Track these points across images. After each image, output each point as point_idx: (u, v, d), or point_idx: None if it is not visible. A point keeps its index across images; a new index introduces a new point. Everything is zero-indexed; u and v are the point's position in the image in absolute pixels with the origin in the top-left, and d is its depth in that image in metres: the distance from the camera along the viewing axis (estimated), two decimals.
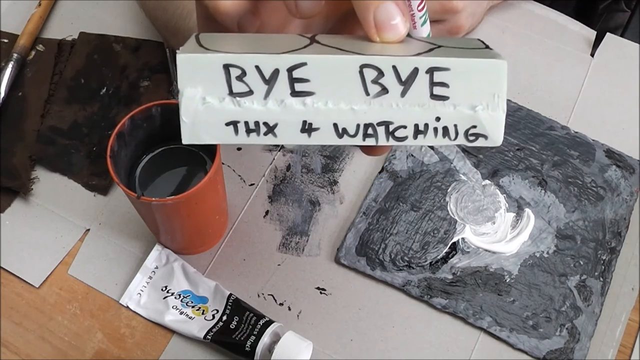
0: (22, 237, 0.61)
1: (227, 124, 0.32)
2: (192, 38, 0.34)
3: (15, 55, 0.67)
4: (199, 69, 0.31)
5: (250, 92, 0.32)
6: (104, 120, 0.65)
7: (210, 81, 0.31)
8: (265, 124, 0.32)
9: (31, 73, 0.68)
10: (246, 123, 0.32)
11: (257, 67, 0.31)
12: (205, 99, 0.32)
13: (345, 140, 0.33)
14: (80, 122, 0.65)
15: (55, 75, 0.68)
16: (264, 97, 0.32)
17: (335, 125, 0.32)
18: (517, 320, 0.57)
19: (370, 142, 0.33)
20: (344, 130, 0.32)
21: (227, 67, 0.31)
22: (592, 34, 0.70)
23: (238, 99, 0.32)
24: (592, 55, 0.69)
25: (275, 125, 0.32)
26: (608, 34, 0.70)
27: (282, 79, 0.31)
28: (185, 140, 0.33)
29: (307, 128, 0.32)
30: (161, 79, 0.67)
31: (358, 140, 0.33)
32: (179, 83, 0.32)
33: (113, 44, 0.69)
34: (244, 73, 0.31)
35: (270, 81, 0.31)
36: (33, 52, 0.69)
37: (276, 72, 0.31)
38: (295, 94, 0.32)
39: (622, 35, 0.73)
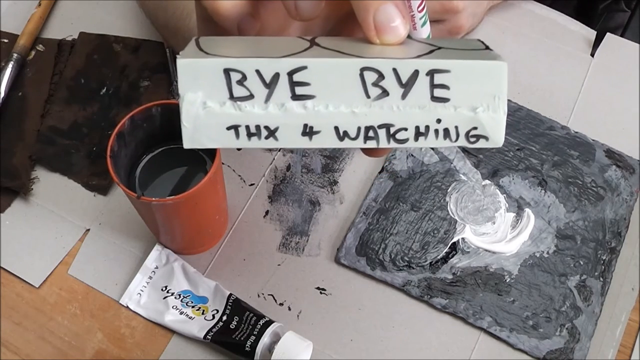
0: (22, 237, 0.61)
1: (228, 128, 0.32)
2: (192, 42, 0.34)
3: (15, 55, 0.67)
4: (199, 73, 0.31)
5: (251, 96, 0.32)
6: (104, 120, 0.65)
7: (210, 86, 0.32)
8: (266, 127, 0.32)
9: (31, 73, 0.68)
10: (247, 127, 0.32)
11: (257, 71, 0.31)
12: (206, 103, 0.32)
13: (347, 143, 0.33)
14: (80, 122, 0.65)
15: (55, 75, 0.68)
16: (264, 101, 0.32)
17: (336, 128, 0.32)
18: (517, 320, 0.57)
19: (371, 144, 0.33)
20: (345, 133, 0.32)
21: (227, 72, 0.31)
22: (592, 34, 0.70)
23: (239, 103, 0.32)
24: (592, 55, 0.69)
25: (276, 129, 0.32)
26: (608, 34, 0.70)
27: (283, 83, 0.31)
28: (186, 145, 0.33)
29: (308, 131, 0.32)
30: (161, 79, 0.67)
31: (359, 143, 0.33)
32: (179, 88, 0.32)
33: (113, 44, 0.69)
34: (244, 77, 0.31)
35: (270, 85, 0.31)
36: (33, 52, 0.69)
37: (277, 76, 0.31)
38: (295, 97, 0.32)
39: (622, 35, 0.73)
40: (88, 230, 0.61)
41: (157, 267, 0.58)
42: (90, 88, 0.67)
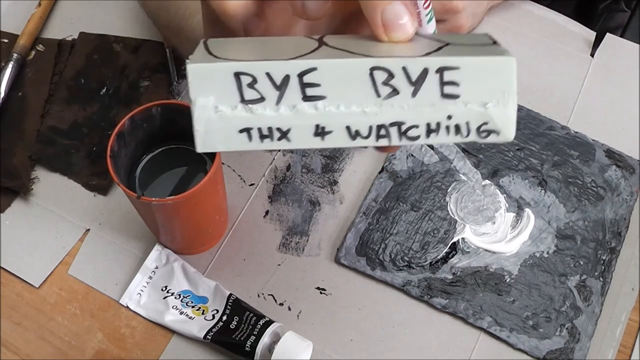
0: (22, 237, 0.61)
1: (241, 131, 0.32)
2: (201, 45, 0.34)
3: (15, 55, 0.67)
4: (210, 78, 0.32)
5: (262, 99, 0.32)
6: (104, 120, 0.65)
7: (221, 90, 0.32)
8: (278, 129, 0.32)
9: (31, 73, 0.68)
10: (259, 129, 0.32)
11: (267, 74, 0.31)
12: (217, 107, 0.32)
13: (359, 142, 0.33)
14: (80, 122, 0.65)
15: (55, 75, 0.68)
16: (275, 103, 0.32)
17: (347, 127, 0.33)
18: (517, 320, 0.57)
19: (383, 142, 0.33)
20: (357, 132, 0.33)
21: (237, 75, 0.31)
22: (592, 34, 0.70)
23: (250, 106, 0.32)
24: (592, 55, 0.69)
25: (289, 130, 0.32)
26: (608, 34, 0.70)
27: (293, 85, 0.32)
28: (199, 149, 0.33)
29: (320, 132, 0.32)
30: (161, 79, 0.67)
31: (371, 142, 0.33)
32: (190, 93, 0.32)
33: (113, 44, 0.69)
34: (254, 80, 0.32)
35: (281, 87, 0.32)
36: (33, 52, 0.69)
37: (287, 78, 0.31)
38: (306, 98, 0.32)
39: (622, 36, 0.73)
40: (88, 230, 0.61)
41: (157, 267, 0.58)
42: (90, 88, 0.67)
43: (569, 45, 0.70)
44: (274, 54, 0.33)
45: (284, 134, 0.32)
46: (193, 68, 0.32)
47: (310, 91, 0.32)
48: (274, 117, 0.32)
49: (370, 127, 0.33)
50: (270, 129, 0.32)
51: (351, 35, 0.40)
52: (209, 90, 0.32)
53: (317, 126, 0.32)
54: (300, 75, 0.31)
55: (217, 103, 0.32)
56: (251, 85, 0.32)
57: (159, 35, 0.69)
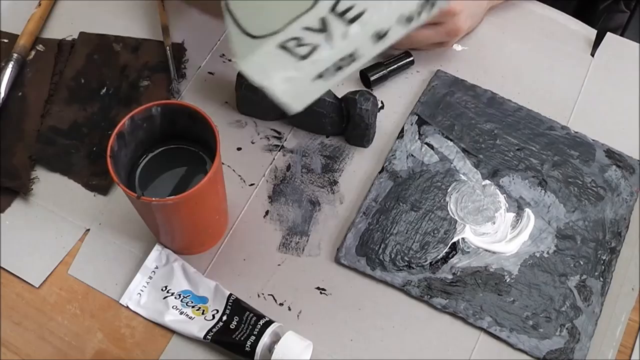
0: (22, 237, 0.61)
1: (315, 80, 0.35)
2: (229, 19, 0.36)
3: (15, 55, 0.67)
4: (261, 62, 0.34)
5: (316, 47, 0.34)
6: (104, 120, 0.65)
7: (278, 63, 0.34)
8: (346, 57, 0.35)
9: (31, 73, 0.68)
10: (328, 69, 0.35)
11: (305, 28, 0.33)
12: (285, 77, 0.34)
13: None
14: (80, 122, 0.65)
15: (55, 75, 0.68)
16: (328, 42, 0.34)
17: (399, 19, 0.34)
18: (517, 320, 0.57)
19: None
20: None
21: (283, 46, 0.33)
22: (592, 33, 0.70)
23: (309, 58, 0.34)
24: (592, 55, 0.69)
25: (354, 53, 0.35)
26: (608, 33, 0.70)
27: (332, 20, 0.33)
28: (296, 110, 0.36)
29: (379, 36, 0.35)
30: (161, 78, 0.67)
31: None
32: (256, 83, 0.34)
33: (113, 44, 0.69)
34: (299, 39, 0.34)
35: (324, 29, 0.34)
36: (33, 52, 0.69)
37: (323, 20, 0.33)
38: (351, 21, 0.34)
39: (621, 36, 0.73)
40: (88, 230, 0.61)
41: (157, 267, 0.58)
42: (90, 88, 0.67)
43: (569, 45, 0.70)
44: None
45: (352, 58, 0.35)
46: (243, 65, 0.34)
47: (350, 14, 0.34)
48: (335, 52, 0.34)
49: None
50: (337, 63, 0.35)
51: None
52: (269, 70, 0.34)
53: (374, 34, 0.34)
54: (333, 10, 0.33)
55: (283, 74, 0.34)
56: (299, 44, 0.34)
57: (159, 35, 0.69)
